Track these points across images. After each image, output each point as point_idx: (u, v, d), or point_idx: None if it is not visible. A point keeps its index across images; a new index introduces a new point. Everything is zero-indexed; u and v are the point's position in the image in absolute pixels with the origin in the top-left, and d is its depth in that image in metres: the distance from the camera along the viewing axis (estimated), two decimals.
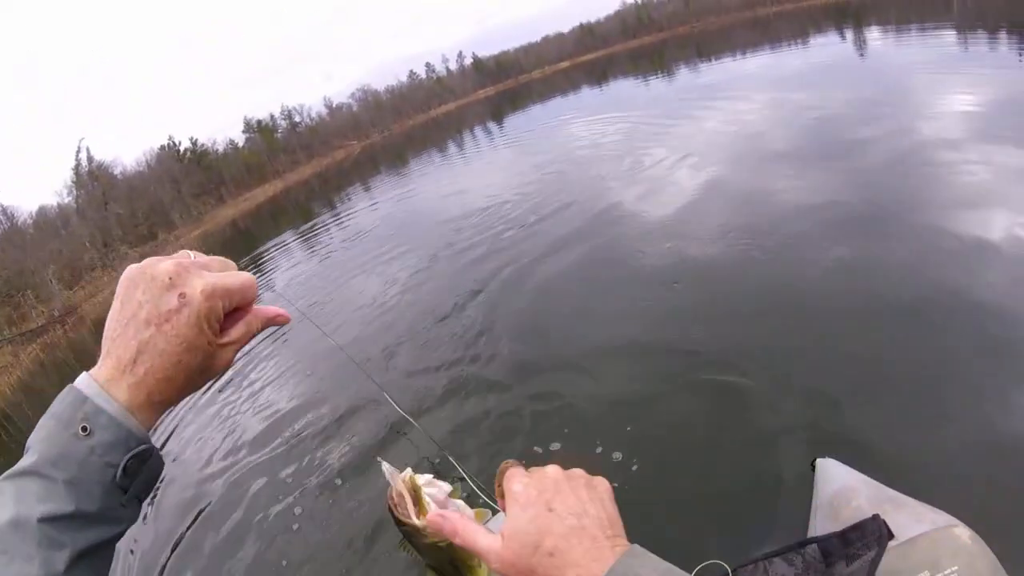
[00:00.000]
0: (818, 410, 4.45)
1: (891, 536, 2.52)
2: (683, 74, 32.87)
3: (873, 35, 30.09)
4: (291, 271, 16.16)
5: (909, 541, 2.56)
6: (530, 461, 0.98)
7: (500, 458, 1.14)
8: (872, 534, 2.51)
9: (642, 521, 3.57)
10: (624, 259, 8.16)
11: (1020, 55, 16.25)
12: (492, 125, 40.09)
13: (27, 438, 0.78)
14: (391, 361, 7.50)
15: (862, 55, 23.80)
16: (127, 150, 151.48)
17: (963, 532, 2.56)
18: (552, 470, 0.89)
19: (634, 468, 4.42)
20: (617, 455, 4.54)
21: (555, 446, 4.89)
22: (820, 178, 9.28)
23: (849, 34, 33.27)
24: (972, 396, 4.27)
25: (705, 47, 50.60)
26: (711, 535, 3.69)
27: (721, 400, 4.86)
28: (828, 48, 29.19)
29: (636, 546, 0.80)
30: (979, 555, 2.47)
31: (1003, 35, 19.38)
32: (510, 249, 10.10)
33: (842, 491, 3.21)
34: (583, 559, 0.78)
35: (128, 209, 57.22)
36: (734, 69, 29.07)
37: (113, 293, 0.86)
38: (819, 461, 3.58)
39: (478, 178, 18.48)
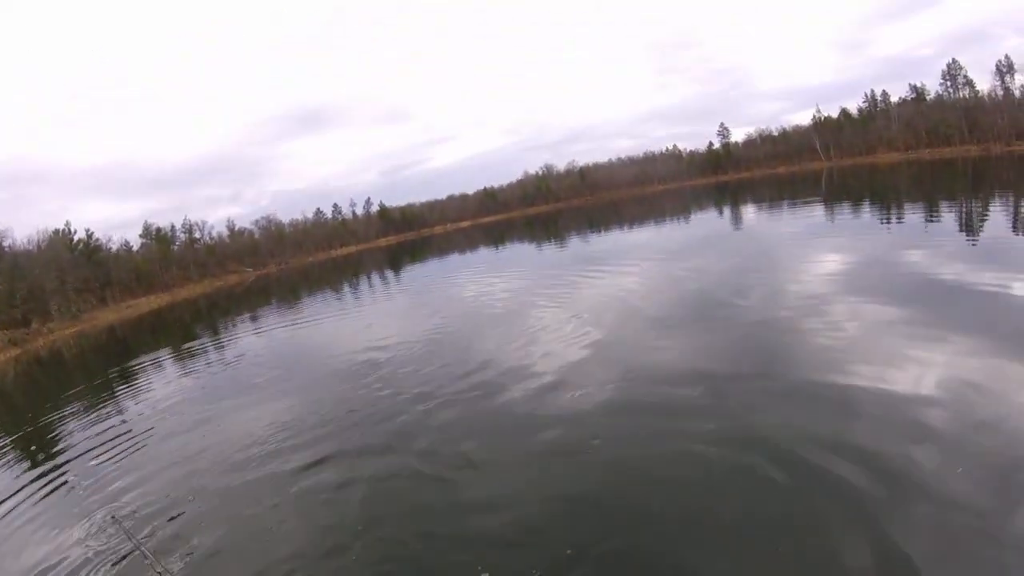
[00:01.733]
0: None
1: None
2: (575, 242, 35.75)
3: (748, 211, 34.54)
4: (159, 392, 15.88)
5: None
6: None
7: None
8: None
9: None
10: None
11: (880, 220, 19.65)
12: (389, 273, 41.42)
13: None
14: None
15: (737, 228, 27.32)
16: (18, 223, 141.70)
17: None
18: None
19: None
20: None
21: None
22: (689, 344, 10.30)
23: (727, 210, 37.53)
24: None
25: (597, 218, 55.33)
26: None
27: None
28: (707, 223, 32.85)
29: None
30: None
31: (865, 204, 22.98)
32: (387, 415, 9.78)
33: None
34: None
35: (8, 286, 54.64)
36: (622, 239, 32.35)
37: None
38: None
39: (366, 327, 18.96)
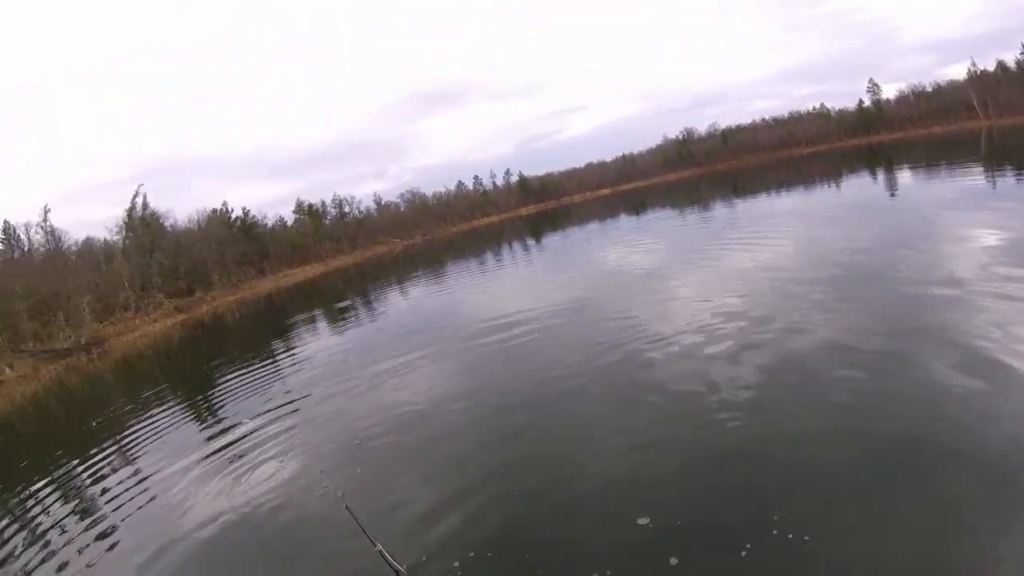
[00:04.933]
0: None
1: None
2: (719, 209, 33.62)
3: (904, 175, 31.14)
4: (314, 347, 17.37)
5: None
6: None
7: None
8: None
9: None
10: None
11: None
12: (530, 242, 41.27)
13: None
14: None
15: (893, 193, 24.54)
16: (180, 205, 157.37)
17: None
18: None
19: None
20: None
21: None
22: (847, 320, 9.13)
23: (880, 174, 34.12)
24: None
25: (741, 183, 52.10)
26: None
27: None
28: (860, 187, 29.96)
29: None
30: None
31: None
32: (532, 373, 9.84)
33: None
34: None
35: (172, 261, 59.12)
36: (768, 205, 30.04)
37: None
38: None
39: (506, 294, 19.12)
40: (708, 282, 13.66)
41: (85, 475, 10.52)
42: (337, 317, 22.93)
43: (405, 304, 23.13)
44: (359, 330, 18.59)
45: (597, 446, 6.91)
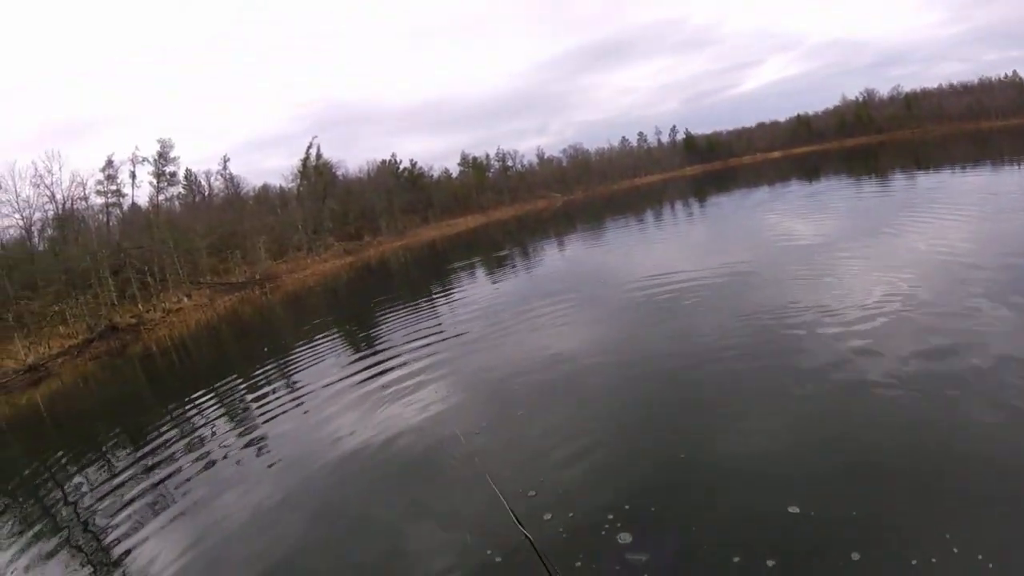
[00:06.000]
0: None
1: None
2: (899, 181, 30.50)
3: None
4: (471, 292, 17.87)
5: None
6: None
7: None
8: None
9: None
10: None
11: None
12: (693, 203, 39.89)
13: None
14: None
15: None
16: (351, 156, 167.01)
17: None
18: None
19: None
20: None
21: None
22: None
23: None
24: None
25: (924, 155, 47.04)
26: None
27: None
28: None
29: None
30: None
31: None
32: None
33: None
34: None
35: (342, 207, 62.67)
36: (953, 183, 26.47)
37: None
38: None
39: (663, 256, 18.64)
40: (878, 262, 12.58)
41: (245, 389, 11.97)
42: (495, 265, 23.36)
43: (561, 258, 23.22)
44: (515, 279, 18.98)
45: (743, 424, 6.63)
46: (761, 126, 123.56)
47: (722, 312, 10.59)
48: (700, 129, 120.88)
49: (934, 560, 4.18)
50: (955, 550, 4.24)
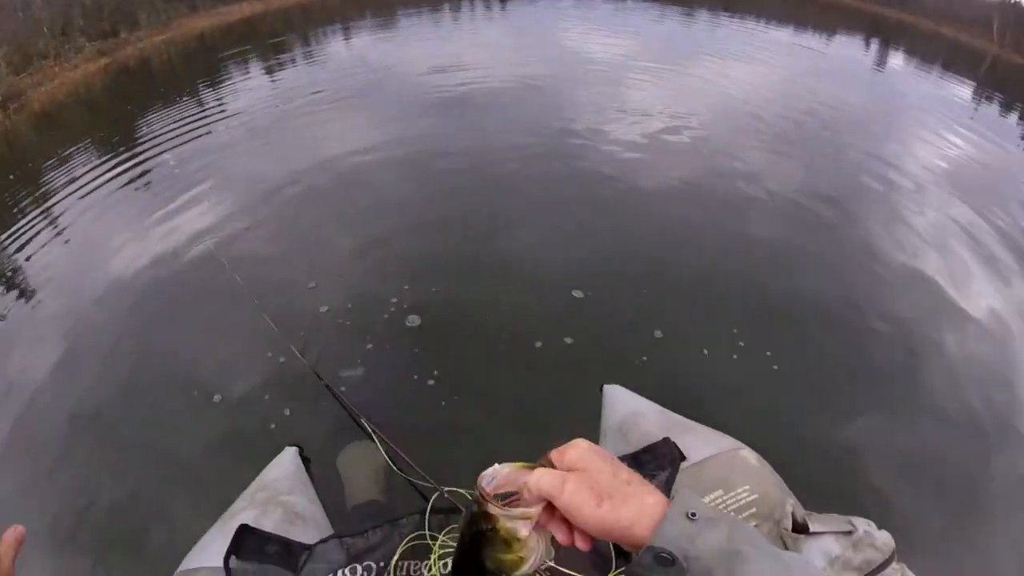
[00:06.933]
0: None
1: (683, 458, 2.59)
2: (705, 19, 30.66)
3: (897, 59, 29.18)
4: (246, 91, 16.11)
5: (700, 463, 2.60)
6: None
7: None
8: (664, 456, 2.59)
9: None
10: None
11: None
12: (495, 3, 37.69)
13: None
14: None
15: (879, 71, 23.49)
16: None
17: (749, 455, 2.69)
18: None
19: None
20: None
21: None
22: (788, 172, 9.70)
23: (873, 47, 32.13)
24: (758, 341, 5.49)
25: (733, 2, 46.81)
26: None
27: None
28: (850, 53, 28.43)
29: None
30: (766, 475, 2.59)
31: (1015, 112, 19.36)
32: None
33: (631, 416, 3.21)
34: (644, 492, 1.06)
35: (95, 1, 53.87)
36: (757, 35, 27.83)
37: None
38: (607, 387, 3.75)
39: (459, 56, 17.88)
40: (669, 91, 13.66)
41: None
42: (272, 59, 21.14)
43: (347, 49, 22.01)
44: (295, 73, 17.71)
45: (529, 221, 7.29)
46: None
47: (512, 117, 11.15)
48: None
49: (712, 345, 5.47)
50: (736, 332, 5.58)
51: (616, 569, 2.29)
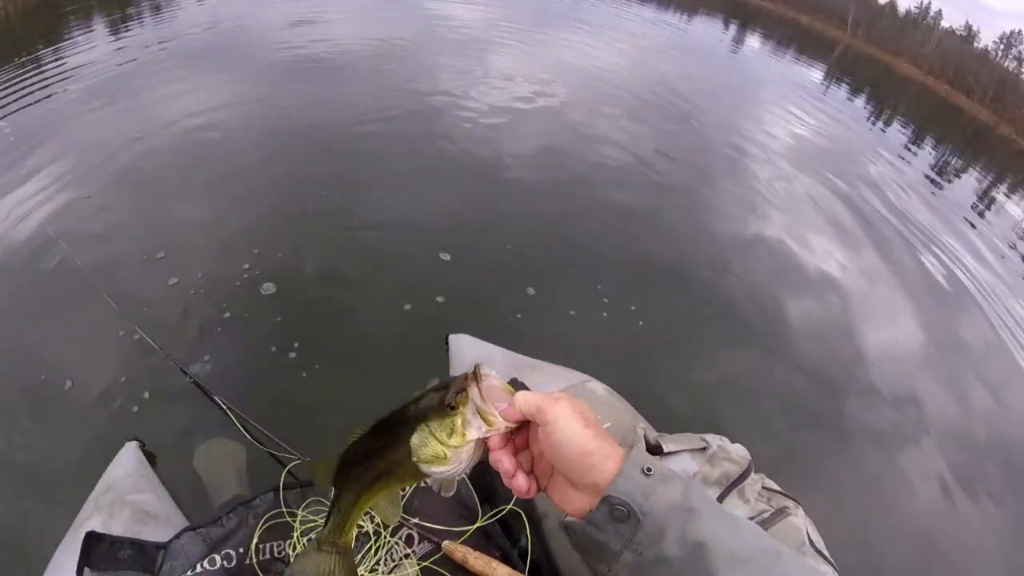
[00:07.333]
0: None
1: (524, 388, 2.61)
2: None
3: (753, 41, 30.62)
4: (85, 47, 13.93)
5: None
6: None
7: None
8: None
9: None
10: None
11: (869, 119, 17.77)
12: None
13: None
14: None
15: (737, 49, 24.59)
16: None
17: (597, 386, 2.74)
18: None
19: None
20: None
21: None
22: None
23: (732, 30, 33.63)
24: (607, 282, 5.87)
25: None
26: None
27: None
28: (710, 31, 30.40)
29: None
30: (615, 403, 2.65)
31: (862, 95, 20.83)
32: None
33: (478, 361, 3.21)
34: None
35: None
36: (625, 10, 27.90)
37: None
38: (452, 337, 3.81)
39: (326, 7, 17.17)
40: (529, 62, 13.61)
41: None
42: (117, 14, 19.31)
43: (199, 6, 19.84)
44: (142, 31, 15.51)
45: (393, 186, 7.18)
46: None
47: (371, 82, 10.58)
48: None
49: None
50: (599, 289, 5.97)
51: (483, 516, 2.26)
